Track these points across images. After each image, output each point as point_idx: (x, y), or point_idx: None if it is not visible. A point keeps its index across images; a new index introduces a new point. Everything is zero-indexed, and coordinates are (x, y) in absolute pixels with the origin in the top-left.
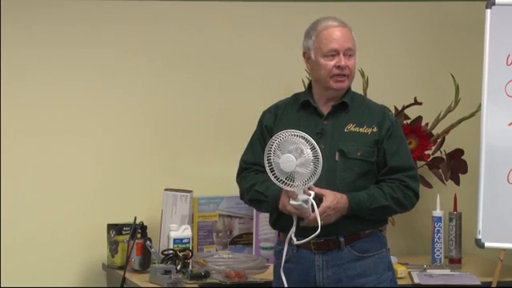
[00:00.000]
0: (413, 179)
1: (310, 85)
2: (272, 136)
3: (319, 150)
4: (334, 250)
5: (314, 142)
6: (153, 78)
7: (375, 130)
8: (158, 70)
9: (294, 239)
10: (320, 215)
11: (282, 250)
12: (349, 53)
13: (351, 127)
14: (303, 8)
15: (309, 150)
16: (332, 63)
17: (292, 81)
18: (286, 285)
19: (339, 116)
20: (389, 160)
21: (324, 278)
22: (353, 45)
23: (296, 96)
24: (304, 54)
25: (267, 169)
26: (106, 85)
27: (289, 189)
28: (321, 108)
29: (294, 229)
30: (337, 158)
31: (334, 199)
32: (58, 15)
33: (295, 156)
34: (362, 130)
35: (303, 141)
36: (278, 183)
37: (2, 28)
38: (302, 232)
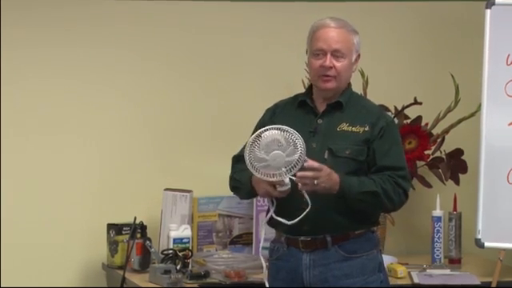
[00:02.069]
0: (403, 179)
1: (311, 84)
2: None
3: (295, 132)
4: (321, 249)
5: (285, 128)
6: (153, 78)
7: (367, 129)
8: (158, 70)
9: (283, 220)
10: (314, 168)
11: (274, 248)
12: (337, 54)
13: (344, 126)
14: (303, 8)
15: (285, 136)
16: (318, 63)
17: (292, 81)
18: (266, 283)
19: (333, 115)
20: (378, 160)
21: (311, 277)
22: (344, 47)
23: (296, 96)
24: (306, 52)
25: (253, 171)
26: (106, 85)
27: (276, 179)
28: (318, 107)
29: (273, 209)
30: (326, 156)
31: (329, 169)
32: (59, 15)
33: (280, 150)
34: (354, 129)
35: (278, 132)
36: (266, 178)
37: (2, 28)
38: (292, 230)
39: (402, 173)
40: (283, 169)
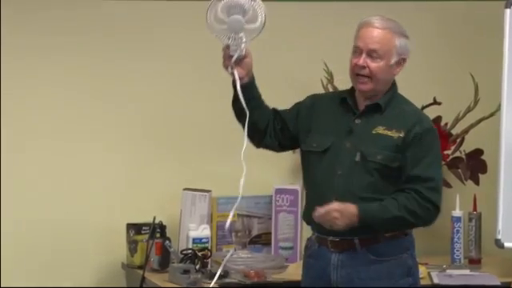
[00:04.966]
0: (432, 191)
1: None
2: (300, 117)
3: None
4: (349, 250)
5: None
6: (170, 77)
7: (402, 134)
8: (175, 70)
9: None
10: (324, 213)
11: (308, 245)
12: (373, 54)
13: (380, 129)
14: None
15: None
16: (354, 60)
17: (307, 81)
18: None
19: (371, 117)
20: (410, 168)
21: (338, 277)
22: (382, 48)
23: (340, 92)
24: None
25: (210, 29)
26: (124, 85)
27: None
28: (358, 107)
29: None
30: (357, 158)
31: (340, 203)
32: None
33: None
34: (389, 133)
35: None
36: (222, 39)
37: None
38: (321, 229)
39: (430, 184)
40: (241, 34)
